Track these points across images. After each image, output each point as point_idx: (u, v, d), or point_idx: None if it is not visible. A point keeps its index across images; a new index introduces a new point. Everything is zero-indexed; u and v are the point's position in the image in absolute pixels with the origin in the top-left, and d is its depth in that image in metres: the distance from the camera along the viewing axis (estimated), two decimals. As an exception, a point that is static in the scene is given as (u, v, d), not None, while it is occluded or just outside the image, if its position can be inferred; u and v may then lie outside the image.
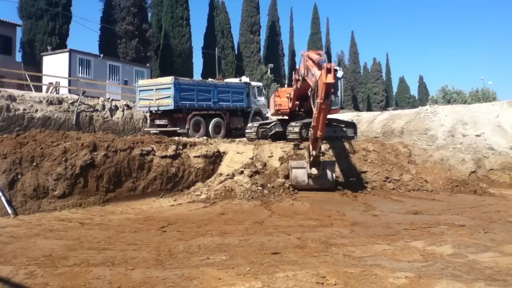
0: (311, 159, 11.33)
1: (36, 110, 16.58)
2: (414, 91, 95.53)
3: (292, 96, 14.94)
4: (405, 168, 14.17)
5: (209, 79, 23.12)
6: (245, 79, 22.37)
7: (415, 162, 15.64)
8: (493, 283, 4.68)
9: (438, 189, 13.01)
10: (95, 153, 10.67)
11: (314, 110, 10.22)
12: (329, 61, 10.70)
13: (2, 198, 8.87)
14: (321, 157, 11.42)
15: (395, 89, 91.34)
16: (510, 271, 5.12)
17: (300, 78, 12.44)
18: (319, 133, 10.30)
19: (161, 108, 17.45)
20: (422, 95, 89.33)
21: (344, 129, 15.95)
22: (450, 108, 20.41)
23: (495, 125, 17.61)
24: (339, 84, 15.12)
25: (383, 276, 4.86)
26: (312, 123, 10.58)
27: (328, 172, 11.97)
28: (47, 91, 21.94)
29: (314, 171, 11.51)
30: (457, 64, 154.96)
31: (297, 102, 15.05)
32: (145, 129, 19.44)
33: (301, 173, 11.93)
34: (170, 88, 17.08)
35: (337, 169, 12.82)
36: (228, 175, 11.93)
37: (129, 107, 20.76)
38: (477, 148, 16.71)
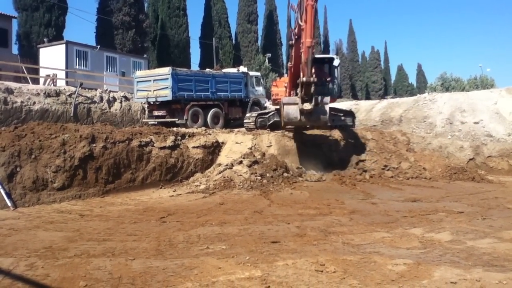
0: (303, 89, 10.73)
1: (34, 103, 16.50)
2: (412, 79, 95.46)
3: (287, 81, 14.71)
4: (404, 156, 14.21)
5: (207, 69, 22.95)
6: (243, 69, 22.21)
7: (414, 150, 15.69)
8: (491, 268, 4.72)
9: (437, 176, 13.06)
10: (94, 144, 10.66)
11: (304, 18, 9.78)
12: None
13: (2, 190, 8.87)
14: (312, 88, 10.69)
15: (393, 78, 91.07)
16: (507, 257, 5.17)
17: (295, 37, 11.71)
18: (308, 40, 9.65)
19: (159, 99, 17.36)
20: (421, 83, 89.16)
21: (343, 117, 15.90)
22: (448, 96, 20.40)
23: (494, 112, 17.61)
24: (337, 72, 15.08)
25: (382, 263, 4.90)
26: (302, 36, 9.98)
27: (321, 107, 11.34)
28: (44, 84, 21.80)
29: (306, 106, 10.94)
30: (456, 52, 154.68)
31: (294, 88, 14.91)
32: (144, 120, 19.37)
33: (293, 109, 11.35)
34: (167, 79, 16.98)
35: (336, 157, 12.81)
36: (227, 165, 11.93)
37: (127, 99, 20.66)
38: (475, 135, 16.73)
